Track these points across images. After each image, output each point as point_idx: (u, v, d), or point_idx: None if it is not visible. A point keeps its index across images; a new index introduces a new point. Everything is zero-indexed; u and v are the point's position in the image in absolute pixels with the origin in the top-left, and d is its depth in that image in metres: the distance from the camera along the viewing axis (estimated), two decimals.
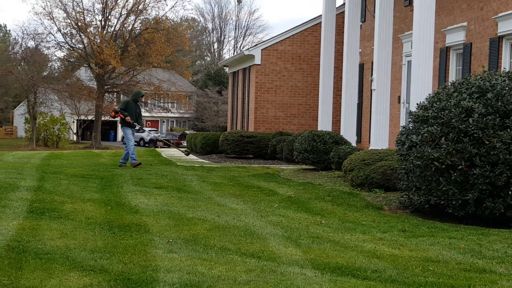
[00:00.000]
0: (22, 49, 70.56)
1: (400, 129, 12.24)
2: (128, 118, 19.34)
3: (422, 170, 10.88)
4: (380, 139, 18.27)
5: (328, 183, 15.72)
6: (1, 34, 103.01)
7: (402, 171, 11.85)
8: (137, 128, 19.69)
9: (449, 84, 11.86)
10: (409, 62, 19.25)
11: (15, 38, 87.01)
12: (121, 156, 20.55)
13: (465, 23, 17.03)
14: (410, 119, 11.74)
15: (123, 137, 20.81)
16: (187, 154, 23.94)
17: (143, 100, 69.97)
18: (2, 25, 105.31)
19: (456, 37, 17.45)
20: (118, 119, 19.79)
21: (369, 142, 19.78)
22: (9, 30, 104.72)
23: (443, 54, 18.05)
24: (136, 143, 21.70)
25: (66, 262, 7.16)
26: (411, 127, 11.55)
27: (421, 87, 15.37)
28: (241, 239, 8.73)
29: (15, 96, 77.70)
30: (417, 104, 11.95)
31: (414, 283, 6.83)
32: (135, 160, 19.09)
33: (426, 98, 11.92)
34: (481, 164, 10.23)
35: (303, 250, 8.21)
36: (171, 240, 8.44)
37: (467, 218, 10.76)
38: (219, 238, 8.74)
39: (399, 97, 20.88)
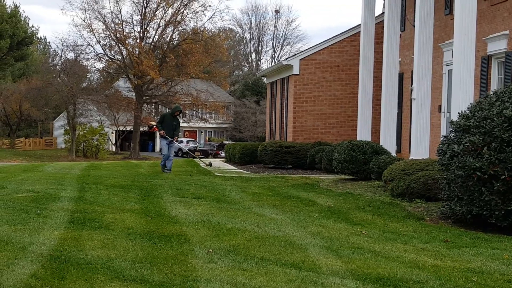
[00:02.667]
0: (62, 60, 71.63)
1: (441, 138, 12.12)
2: (161, 132, 21.04)
3: (464, 180, 10.74)
4: (420, 148, 18.13)
5: (368, 193, 15.61)
6: (41, 46, 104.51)
7: (443, 181, 11.72)
8: (170, 139, 21.05)
9: (491, 93, 11.71)
10: (450, 71, 19.06)
11: (54, 50, 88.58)
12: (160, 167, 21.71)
13: (507, 31, 16.82)
14: (451, 129, 11.61)
15: (161, 148, 22.05)
16: (209, 165, 24.83)
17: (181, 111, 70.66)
18: (42, 37, 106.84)
19: (498, 46, 17.24)
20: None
21: (409, 152, 19.61)
22: (49, 42, 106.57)
23: (484, 63, 17.84)
24: (174, 154, 22.56)
25: (108, 272, 7.19)
26: (452, 137, 11.43)
27: (462, 96, 15.23)
28: (281, 249, 8.69)
29: (55, 107, 78.74)
30: (459, 113, 11.81)
31: None
32: (168, 169, 21.01)
33: (467, 107, 11.78)
34: None
35: (344, 260, 8.14)
36: (211, 251, 8.43)
37: (510, 229, 10.60)
38: (259, 248, 8.71)
39: (440, 106, 20.68)
